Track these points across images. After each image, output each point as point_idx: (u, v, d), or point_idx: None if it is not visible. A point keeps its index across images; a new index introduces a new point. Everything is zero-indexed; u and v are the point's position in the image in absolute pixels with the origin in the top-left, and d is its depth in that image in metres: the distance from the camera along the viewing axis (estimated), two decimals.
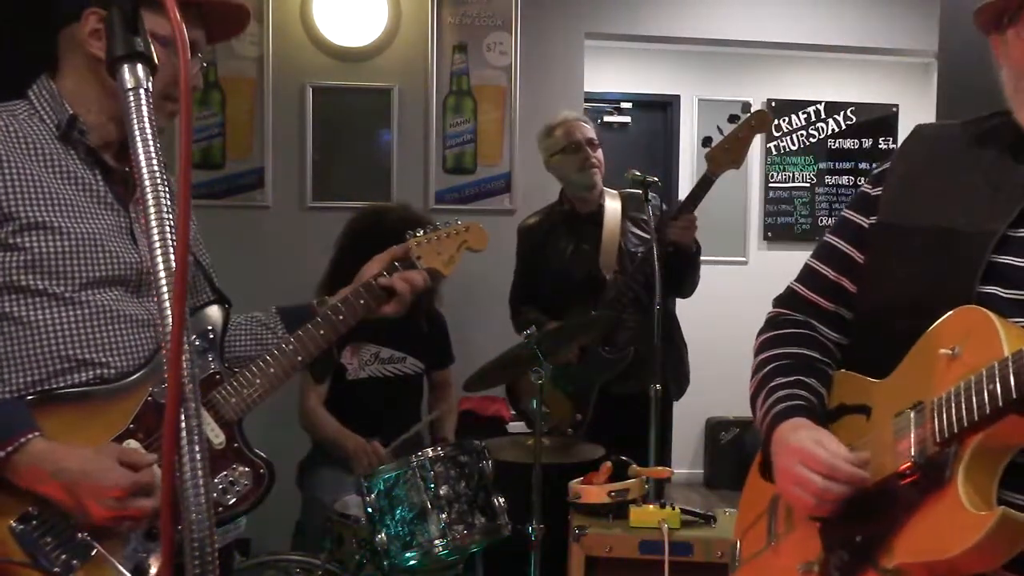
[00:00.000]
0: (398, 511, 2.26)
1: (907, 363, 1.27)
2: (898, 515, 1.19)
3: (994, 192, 1.25)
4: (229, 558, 2.36)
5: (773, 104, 5.95)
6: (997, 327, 1.11)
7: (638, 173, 3.18)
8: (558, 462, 2.71)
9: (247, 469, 1.67)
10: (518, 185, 4.16)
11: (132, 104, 0.81)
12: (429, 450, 2.34)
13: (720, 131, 3.02)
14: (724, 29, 4.50)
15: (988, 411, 1.07)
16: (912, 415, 1.20)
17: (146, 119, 0.81)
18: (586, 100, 4.42)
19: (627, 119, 6.06)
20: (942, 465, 1.14)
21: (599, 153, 3.28)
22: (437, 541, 2.24)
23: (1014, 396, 1.04)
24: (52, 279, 1.52)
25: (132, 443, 1.56)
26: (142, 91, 0.82)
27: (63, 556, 1.48)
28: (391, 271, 1.85)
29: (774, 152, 5.99)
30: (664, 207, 3.22)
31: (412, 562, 2.25)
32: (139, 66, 0.83)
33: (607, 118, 5.98)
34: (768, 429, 1.39)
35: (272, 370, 1.72)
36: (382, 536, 2.23)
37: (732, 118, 3.05)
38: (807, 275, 1.51)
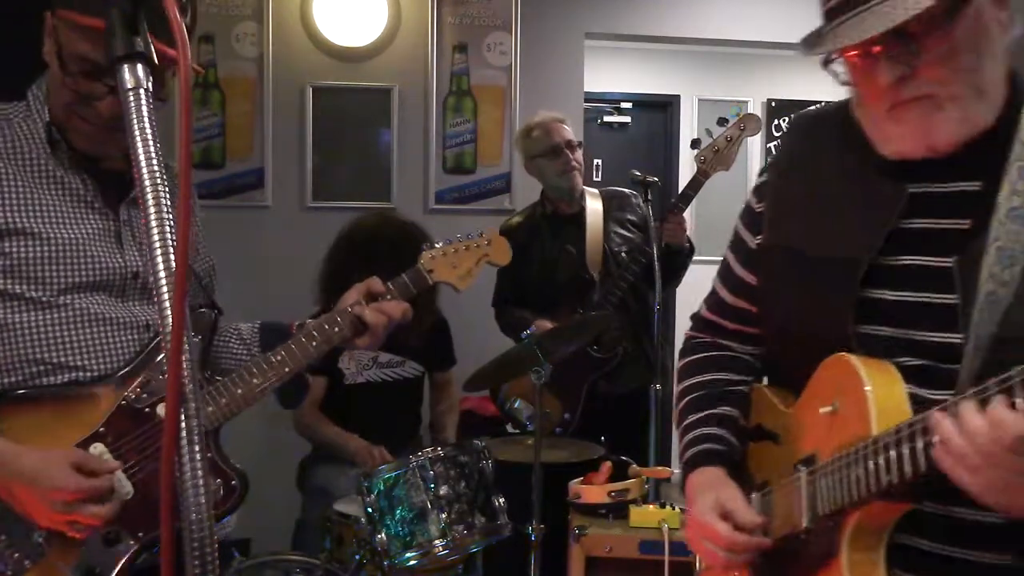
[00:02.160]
0: (398, 511, 2.26)
1: (804, 401, 1.25)
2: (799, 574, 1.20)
3: (864, 210, 1.19)
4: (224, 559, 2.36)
5: (773, 104, 5.95)
6: (864, 388, 1.09)
7: (638, 173, 3.19)
8: (558, 462, 2.71)
9: (219, 480, 1.63)
10: (518, 185, 4.16)
11: (132, 104, 0.81)
12: (429, 450, 2.34)
13: (710, 134, 3.04)
14: (724, 29, 4.50)
15: (856, 498, 1.07)
16: (803, 476, 1.20)
17: (146, 119, 0.81)
18: (586, 100, 4.42)
19: (627, 119, 6.06)
20: (830, 533, 1.13)
21: (579, 155, 3.27)
22: (437, 541, 2.24)
23: (873, 491, 1.05)
24: (30, 284, 1.52)
25: (98, 447, 1.55)
26: (142, 91, 0.82)
27: (15, 555, 1.48)
28: (369, 300, 1.77)
29: (773, 152, 5.99)
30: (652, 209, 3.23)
31: (412, 562, 2.24)
32: (139, 66, 0.83)
33: (607, 118, 5.99)
34: (683, 474, 1.40)
35: (239, 390, 1.65)
36: (382, 536, 2.23)
37: (721, 121, 3.09)
38: (711, 297, 1.50)
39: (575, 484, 2.59)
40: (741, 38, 4.57)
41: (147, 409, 1.58)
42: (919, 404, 1.07)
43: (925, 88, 1.07)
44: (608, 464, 2.63)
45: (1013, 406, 0.90)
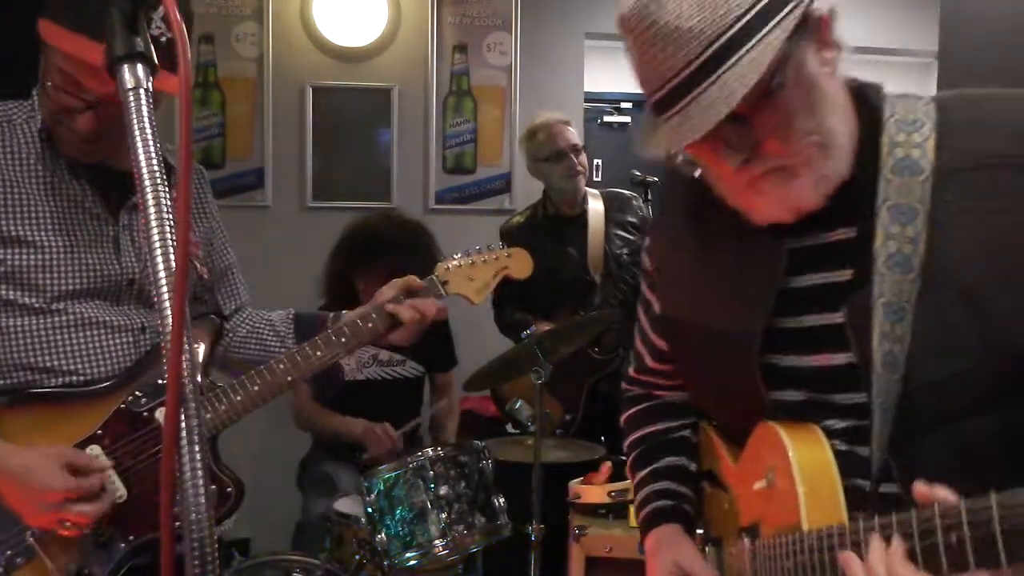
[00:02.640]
0: (398, 511, 2.26)
1: (742, 468, 1.23)
2: None
3: (752, 271, 1.15)
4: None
5: None
6: (791, 460, 1.07)
7: (638, 173, 3.20)
8: (558, 462, 2.71)
9: (213, 487, 1.64)
10: (518, 185, 4.16)
11: (132, 104, 0.81)
12: (429, 450, 2.34)
13: None
14: None
15: None
16: (747, 547, 1.19)
17: (146, 119, 0.80)
18: (586, 100, 4.42)
19: (627, 119, 6.05)
20: None
21: (583, 158, 3.27)
22: (437, 541, 2.23)
23: None
24: (25, 291, 1.53)
25: (95, 449, 1.55)
26: (142, 91, 0.81)
27: (8, 552, 1.49)
28: (405, 297, 1.77)
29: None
30: (651, 209, 3.24)
31: (412, 562, 2.24)
32: (139, 66, 0.82)
33: (607, 118, 5.98)
34: (641, 534, 1.41)
35: (255, 387, 1.65)
36: (382, 536, 2.23)
37: None
38: (637, 360, 1.46)
39: (575, 484, 2.59)
40: None
41: (145, 413, 1.59)
42: (849, 466, 1.06)
43: (772, 162, 1.03)
44: (608, 464, 2.63)
45: (909, 554, 0.89)
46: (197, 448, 0.75)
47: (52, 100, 1.50)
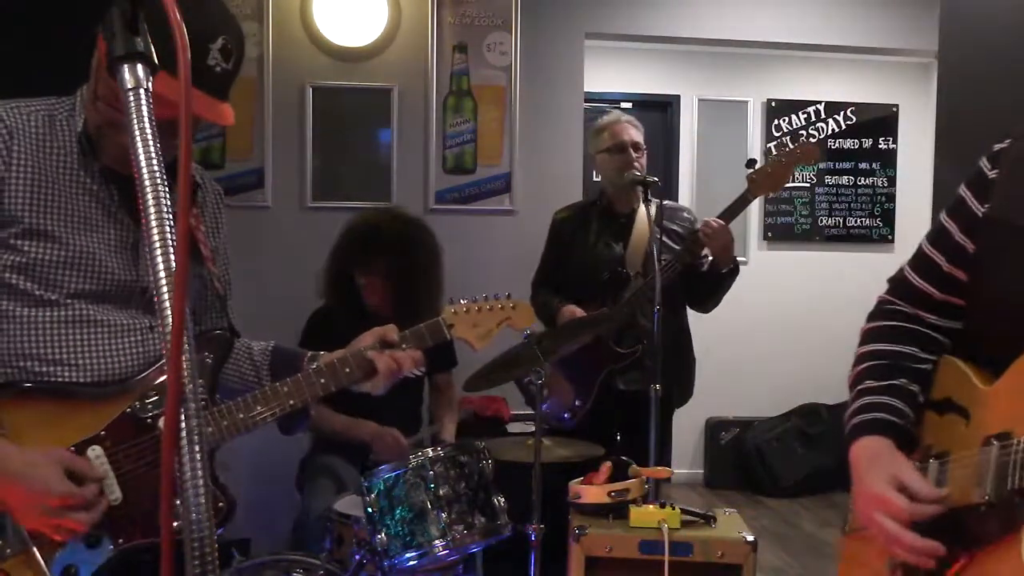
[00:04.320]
0: (398, 511, 2.25)
1: (1010, 377, 1.23)
2: (967, 546, 1.20)
3: None
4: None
5: (773, 104, 5.95)
6: None
7: (638, 173, 3.20)
8: (558, 462, 2.71)
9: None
10: (518, 185, 4.16)
11: (132, 104, 0.81)
12: (429, 450, 2.34)
13: (767, 155, 3.07)
14: (724, 29, 4.50)
15: None
16: (995, 449, 1.18)
17: (146, 119, 0.80)
18: (586, 100, 4.42)
19: None
20: (1012, 509, 1.13)
21: (643, 157, 3.34)
22: (437, 541, 2.23)
23: None
24: (41, 285, 1.54)
25: (96, 449, 1.55)
26: (142, 91, 0.81)
27: None
28: (383, 347, 1.77)
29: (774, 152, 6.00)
30: (694, 221, 3.30)
31: (412, 562, 2.24)
32: (139, 66, 0.82)
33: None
34: (848, 437, 1.38)
35: (240, 415, 1.65)
36: (382, 536, 2.23)
37: (781, 144, 3.17)
38: (920, 261, 1.45)
39: (575, 484, 2.59)
40: (741, 38, 4.57)
41: (149, 420, 1.59)
42: None
43: None
44: (608, 464, 2.63)
45: None
46: (197, 448, 0.75)
47: (101, 113, 1.53)
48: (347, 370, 1.73)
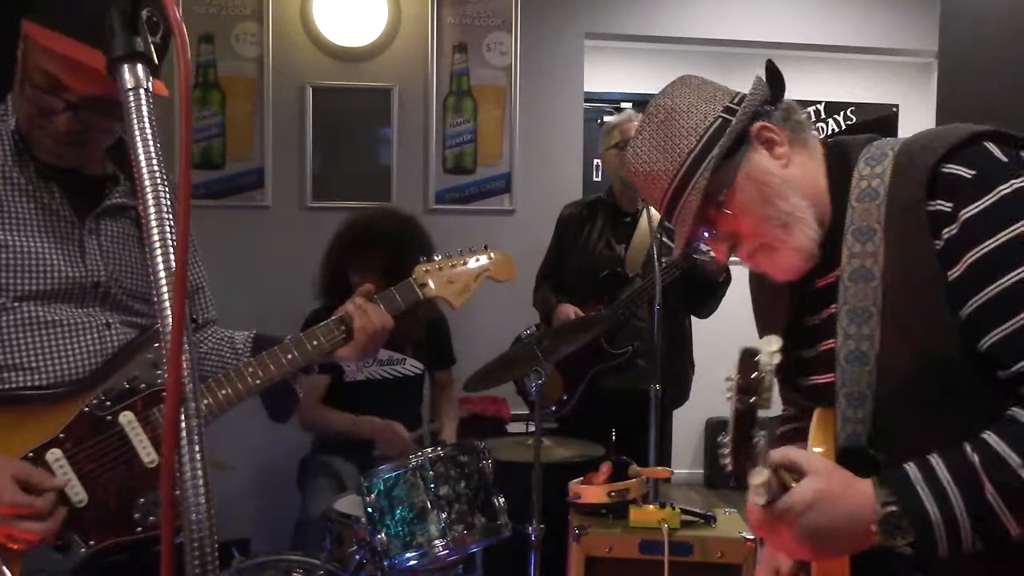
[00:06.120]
0: (398, 511, 2.25)
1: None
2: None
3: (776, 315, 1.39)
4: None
5: None
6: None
7: None
8: (558, 462, 2.71)
9: (176, 493, 1.62)
10: (518, 185, 4.16)
11: (132, 104, 0.81)
12: (429, 450, 2.34)
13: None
14: (724, 29, 4.50)
15: None
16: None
17: (146, 119, 0.80)
18: (586, 100, 4.42)
19: None
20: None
21: None
22: (437, 541, 2.23)
23: None
24: None
25: (56, 452, 1.53)
26: (142, 91, 0.81)
27: None
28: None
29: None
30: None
31: (412, 562, 2.24)
32: (139, 66, 0.82)
33: (607, 118, 5.97)
34: None
35: (223, 392, 1.61)
36: (382, 536, 2.23)
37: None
38: None
39: (575, 484, 2.59)
40: (741, 38, 4.56)
41: (108, 417, 1.56)
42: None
43: (751, 244, 1.29)
44: (608, 464, 2.63)
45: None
46: (197, 448, 0.75)
47: (30, 101, 1.51)
48: (315, 342, 1.68)
